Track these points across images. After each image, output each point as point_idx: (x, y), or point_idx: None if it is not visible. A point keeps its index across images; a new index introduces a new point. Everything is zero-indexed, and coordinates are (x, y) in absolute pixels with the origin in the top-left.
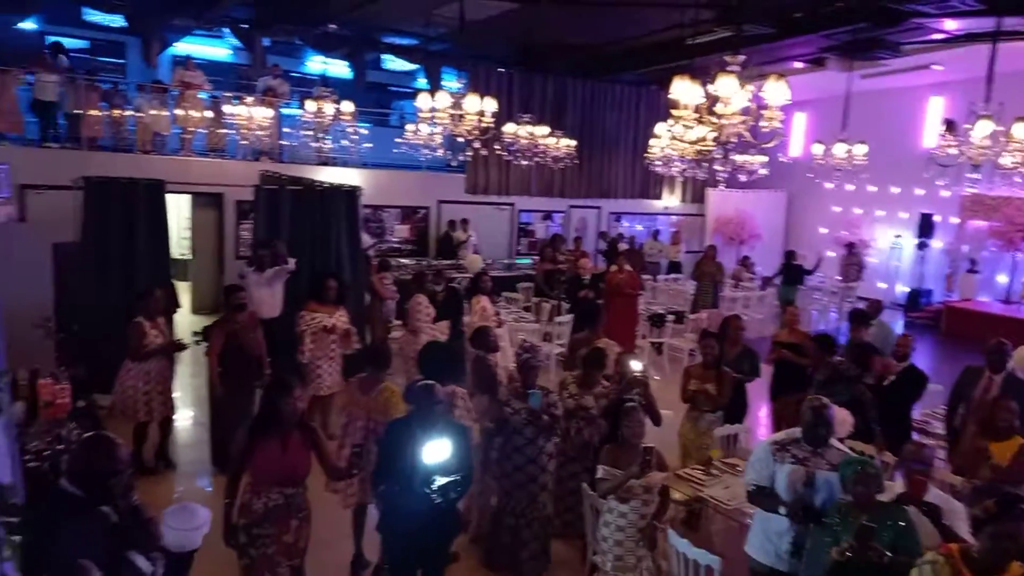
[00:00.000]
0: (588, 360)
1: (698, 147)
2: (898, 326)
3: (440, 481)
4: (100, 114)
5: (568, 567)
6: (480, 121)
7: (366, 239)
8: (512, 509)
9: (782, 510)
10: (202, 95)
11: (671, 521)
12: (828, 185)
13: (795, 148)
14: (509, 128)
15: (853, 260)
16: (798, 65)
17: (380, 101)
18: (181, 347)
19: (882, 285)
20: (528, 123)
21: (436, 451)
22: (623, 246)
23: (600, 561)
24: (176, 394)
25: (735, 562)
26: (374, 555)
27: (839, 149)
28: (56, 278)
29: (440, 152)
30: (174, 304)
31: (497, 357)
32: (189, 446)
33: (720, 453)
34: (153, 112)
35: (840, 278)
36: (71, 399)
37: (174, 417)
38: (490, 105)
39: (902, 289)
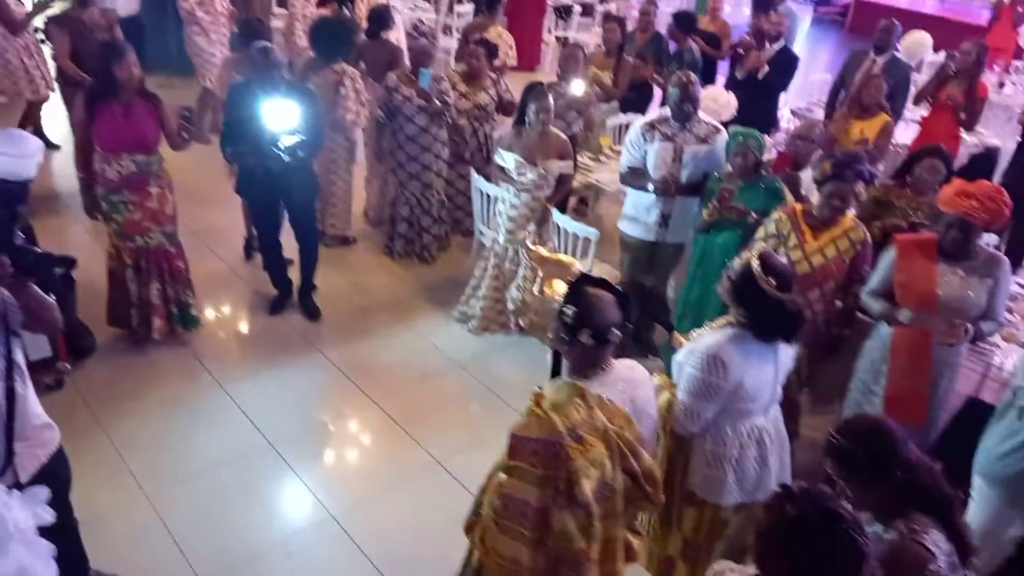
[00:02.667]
0: (476, 50)
1: None
2: (806, 21)
3: (286, 141)
4: None
5: (459, 251)
6: None
7: None
8: (407, 199)
9: (651, 186)
10: None
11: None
12: None
13: None
14: None
15: None
16: None
17: None
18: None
19: None
20: None
21: (278, 112)
22: None
23: (490, 238)
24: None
25: (612, 240)
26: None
27: None
28: None
29: None
30: None
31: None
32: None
33: (610, 141)
34: None
35: None
36: None
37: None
38: None
39: None
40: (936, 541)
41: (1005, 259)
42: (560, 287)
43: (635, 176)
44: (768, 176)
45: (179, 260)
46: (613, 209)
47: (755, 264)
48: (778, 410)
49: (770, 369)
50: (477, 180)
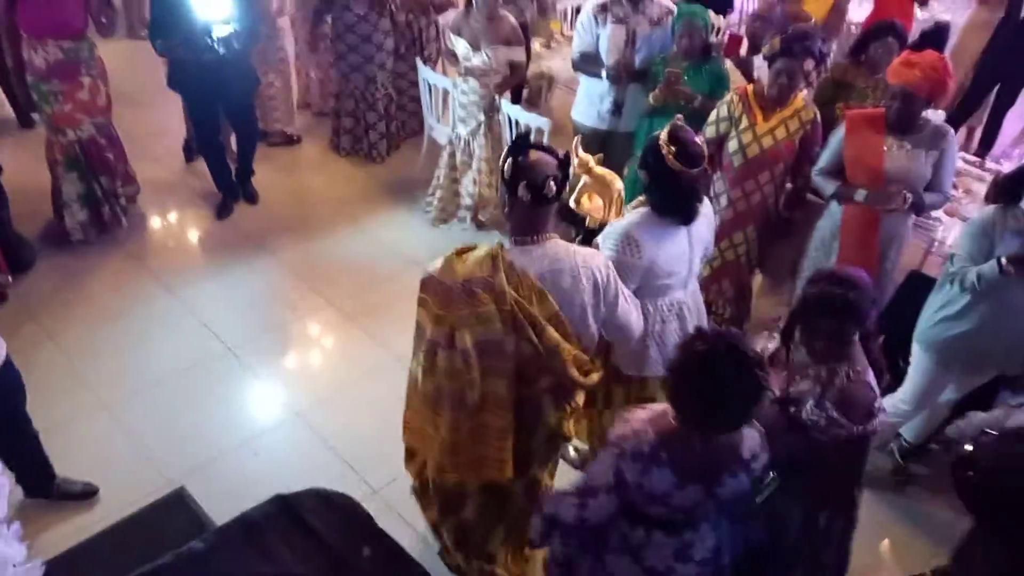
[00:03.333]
0: None
1: None
2: None
3: (220, 31)
4: None
5: (411, 150)
6: None
7: None
8: (351, 92)
9: (604, 72)
10: None
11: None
12: None
13: None
14: None
15: None
16: None
17: None
18: None
19: None
20: None
21: (210, 1)
22: None
23: (442, 132)
24: None
25: (565, 130)
26: None
27: None
28: None
29: None
30: None
31: None
32: None
33: (561, 26)
34: None
35: None
36: None
37: None
38: None
39: None
40: (872, 380)
41: (951, 130)
42: (596, 202)
43: (588, 62)
44: (714, 59)
45: (108, 152)
46: (566, 98)
47: (664, 132)
48: (696, 284)
49: (683, 243)
50: (424, 71)
